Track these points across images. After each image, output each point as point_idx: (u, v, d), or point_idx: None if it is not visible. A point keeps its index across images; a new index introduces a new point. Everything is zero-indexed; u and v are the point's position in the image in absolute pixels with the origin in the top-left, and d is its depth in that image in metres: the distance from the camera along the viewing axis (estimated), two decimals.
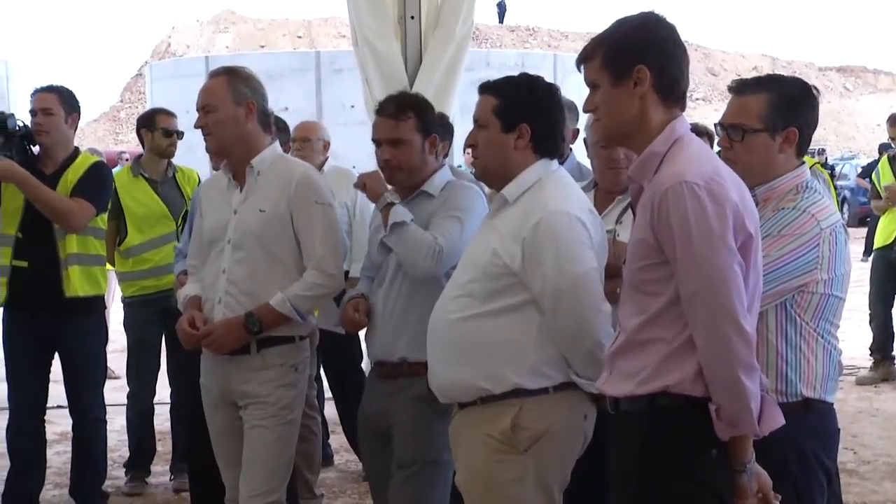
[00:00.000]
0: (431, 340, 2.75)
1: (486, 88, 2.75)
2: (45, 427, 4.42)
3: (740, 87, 2.59)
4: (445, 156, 3.72)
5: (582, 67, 2.28)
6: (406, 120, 3.12)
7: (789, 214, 2.46)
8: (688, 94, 2.29)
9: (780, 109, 2.51)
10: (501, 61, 20.39)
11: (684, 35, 2.44)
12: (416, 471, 3.05)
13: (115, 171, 4.92)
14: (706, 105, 45.72)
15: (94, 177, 4.26)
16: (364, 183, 3.22)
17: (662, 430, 2.15)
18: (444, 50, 5.14)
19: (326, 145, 5.04)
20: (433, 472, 3.05)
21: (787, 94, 2.54)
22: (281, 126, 4.21)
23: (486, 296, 2.62)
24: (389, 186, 3.20)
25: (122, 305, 4.98)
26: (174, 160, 4.98)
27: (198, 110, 3.21)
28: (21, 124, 4.25)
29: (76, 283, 4.20)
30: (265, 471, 3.20)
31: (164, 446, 5.50)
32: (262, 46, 46.59)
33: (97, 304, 4.38)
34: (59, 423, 5.01)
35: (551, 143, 2.74)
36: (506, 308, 2.61)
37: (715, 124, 2.66)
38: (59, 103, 4.22)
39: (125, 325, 4.90)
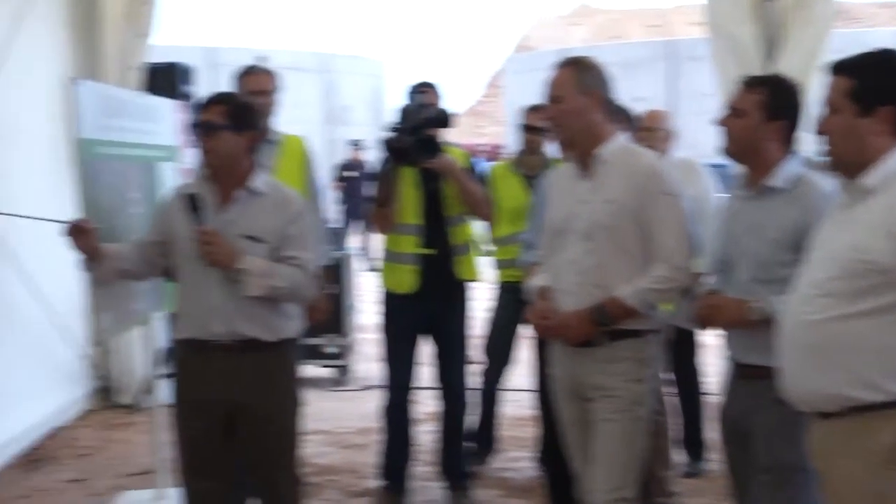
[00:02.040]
0: (785, 344, 2.53)
1: (839, 69, 2.50)
2: (413, 406, 4.73)
3: None
4: None
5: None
6: (753, 93, 2.98)
7: None
8: None
9: None
10: (877, 41, 18.96)
11: None
12: (782, 477, 2.88)
13: (493, 164, 5.31)
14: None
15: (473, 168, 4.60)
16: None
17: None
18: (805, 32, 4.89)
19: (670, 135, 4.93)
20: (801, 479, 2.83)
21: None
22: (626, 116, 4.21)
23: (851, 295, 2.36)
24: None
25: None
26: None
27: (545, 102, 3.28)
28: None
29: (471, 268, 4.57)
30: (616, 466, 3.19)
31: (526, 432, 5.69)
32: (616, 37, 46.55)
33: (468, 290, 4.67)
34: (424, 403, 5.33)
35: None
36: (876, 309, 2.34)
37: None
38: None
39: (494, 307, 5.14)
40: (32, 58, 5.73)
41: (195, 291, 3.36)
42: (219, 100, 3.38)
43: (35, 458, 5.53)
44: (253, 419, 3.37)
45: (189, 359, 3.41)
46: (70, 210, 3.80)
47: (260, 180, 3.41)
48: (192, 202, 3.31)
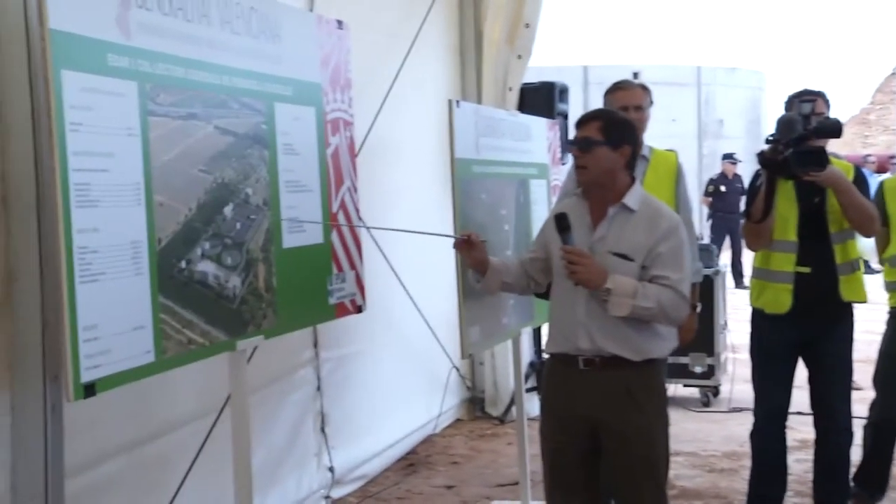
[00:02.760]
0: None
1: None
2: (786, 433, 4.48)
3: None
4: None
5: None
6: None
7: None
8: None
9: None
10: None
11: None
12: None
13: (884, 177, 4.88)
14: None
15: (862, 181, 4.31)
16: None
17: None
18: None
19: None
20: None
21: None
22: None
23: None
24: None
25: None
26: None
27: None
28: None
29: (857, 289, 4.27)
30: None
31: None
32: None
33: (853, 311, 4.36)
34: (798, 429, 5.03)
35: None
36: None
37: None
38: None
39: (885, 333, 4.74)
40: (421, 80, 6.10)
41: (564, 307, 3.39)
42: (595, 116, 3.39)
43: (412, 462, 5.87)
44: (616, 437, 3.33)
45: (556, 373, 3.45)
46: (448, 226, 3.98)
47: (634, 196, 3.37)
48: (561, 221, 3.35)
